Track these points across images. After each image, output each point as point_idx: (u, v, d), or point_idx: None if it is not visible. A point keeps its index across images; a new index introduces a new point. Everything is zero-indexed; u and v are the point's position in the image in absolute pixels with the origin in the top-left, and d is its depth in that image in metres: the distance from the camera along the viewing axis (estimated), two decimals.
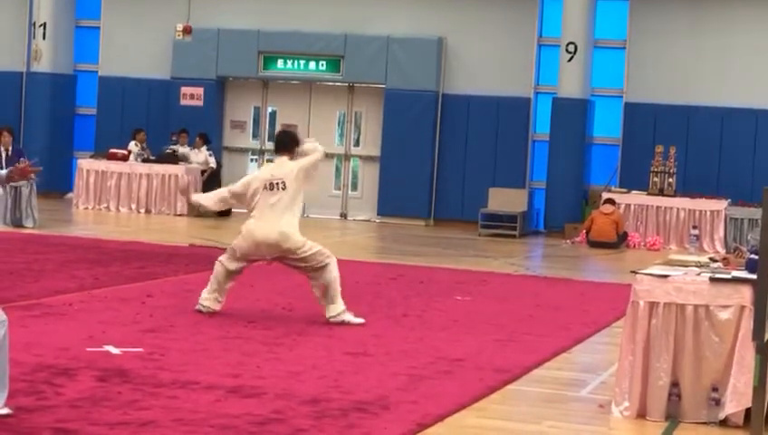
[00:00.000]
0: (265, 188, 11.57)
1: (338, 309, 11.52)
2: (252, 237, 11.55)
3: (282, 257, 11.68)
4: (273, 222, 11.51)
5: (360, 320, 11.54)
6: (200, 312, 11.61)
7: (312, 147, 11.92)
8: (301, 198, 11.81)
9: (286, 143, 11.86)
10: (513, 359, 10.16)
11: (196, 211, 23.56)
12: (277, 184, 11.56)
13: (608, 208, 21.81)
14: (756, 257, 7.92)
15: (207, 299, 11.73)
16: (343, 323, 11.41)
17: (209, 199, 12.32)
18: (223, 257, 11.82)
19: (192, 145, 24.72)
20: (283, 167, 11.68)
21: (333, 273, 11.60)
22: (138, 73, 25.96)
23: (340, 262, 16.07)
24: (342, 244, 20.85)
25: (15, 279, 13.25)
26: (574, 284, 16.28)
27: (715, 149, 23.45)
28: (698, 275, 8.32)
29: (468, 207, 24.19)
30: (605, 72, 24.35)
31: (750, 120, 23.21)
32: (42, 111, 25.89)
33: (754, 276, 7.82)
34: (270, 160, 11.85)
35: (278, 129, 12.45)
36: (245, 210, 11.85)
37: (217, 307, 11.71)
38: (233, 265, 11.73)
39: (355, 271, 15.82)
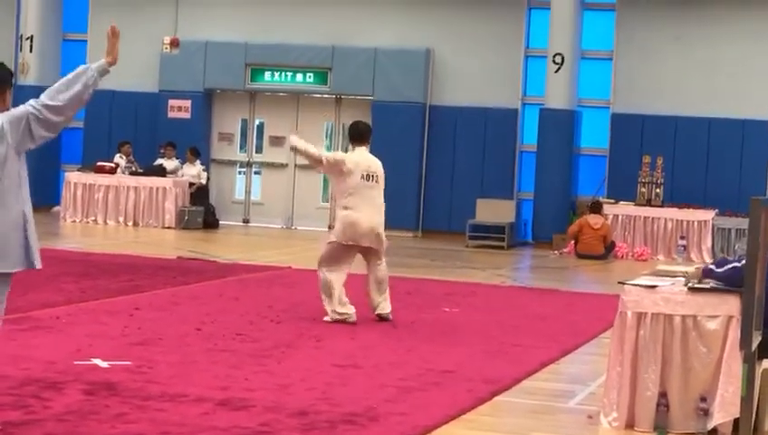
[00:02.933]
0: (362, 177, 12.20)
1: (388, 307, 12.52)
2: (354, 227, 12.15)
3: (368, 249, 12.35)
4: (371, 213, 12.24)
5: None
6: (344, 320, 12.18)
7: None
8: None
9: (368, 133, 12.56)
10: (501, 370, 10.16)
11: (184, 223, 23.61)
12: (373, 176, 12.24)
13: (596, 222, 21.72)
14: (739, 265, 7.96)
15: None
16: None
17: (308, 146, 12.50)
18: (325, 262, 12.27)
19: (183, 159, 24.69)
20: (374, 161, 12.37)
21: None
22: (125, 86, 25.92)
23: None
24: None
25: None
26: (562, 294, 16.29)
27: (702, 160, 23.49)
28: (686, 285, 8.34)
29: (456, 218, 24.19)
30: (592, 82, 24.39)
31: (737, 130, 23.25)
32: None
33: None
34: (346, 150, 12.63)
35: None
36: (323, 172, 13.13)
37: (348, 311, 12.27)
38: (332, 274, 12.25)
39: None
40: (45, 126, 6.81)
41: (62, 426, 7.42)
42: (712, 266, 8.32)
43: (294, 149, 12.61)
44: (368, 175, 12.29)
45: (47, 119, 6.79)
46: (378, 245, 12.36)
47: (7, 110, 6.88)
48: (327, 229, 25.00)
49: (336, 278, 12.30)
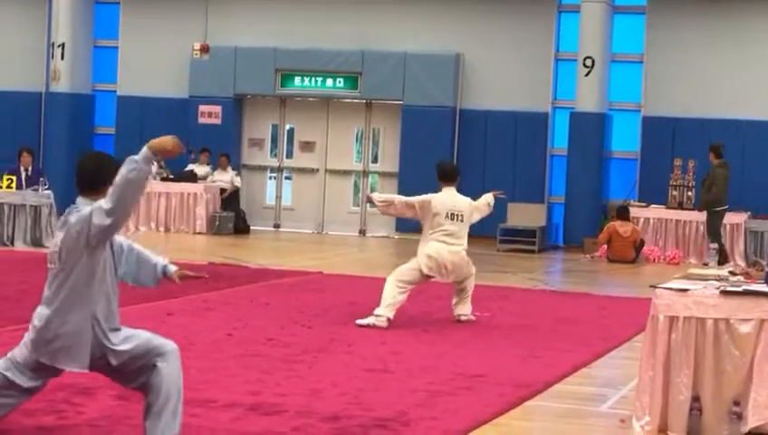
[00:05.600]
0: (447, 217, 12.75)
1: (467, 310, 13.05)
2: (438, 264, 12.63)
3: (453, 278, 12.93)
4: (455, 252, 12.74)
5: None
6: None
7: (487, 202, 13.47)
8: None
9: (456, 175, 13.15)
10: (533, 374, 10.14)
11: (215, 229, 23.69)
12: (457, 215, 12.78)
13: (626, 230, 21.55)
14: None
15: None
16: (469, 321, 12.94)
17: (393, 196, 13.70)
18: (402, 277, 12.69)
19: (215, 165, 24.77)
20: (460, 200, 12.96)
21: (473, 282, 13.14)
22: (156, 92, 26.04)
23: (359, 278, 16.12)
24: (361, 260, 20.86)
25: (35, 299, 13.24)
26: (594, 298, 16.24)
27: (735, 162, 23.28)
28: (718, 288, 8.29)
29: (487, 222, 23.92)
30: (622, 86, 24.33)
31: None
32: (61, 131, 25.98)
33: None
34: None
35: (442, 162, 14.05)
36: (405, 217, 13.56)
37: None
38: (408, 287, 12.67)
39: (374, 287, 15.78)
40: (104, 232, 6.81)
41: (95, 431, 7.46)
42: None
43: (380, 203, 13.19)
44: (452, 214, 12.82)
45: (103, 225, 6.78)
46: (464, 275, 12.97)
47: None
48: (358, 234, 25.09)
49: (402, 294, 12.62)
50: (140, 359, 6.83)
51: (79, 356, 6.79)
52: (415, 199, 13.01)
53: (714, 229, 20.91)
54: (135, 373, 6.88)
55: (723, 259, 20.55)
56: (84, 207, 6.87)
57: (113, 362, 6.83)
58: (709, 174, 20.91)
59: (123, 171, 6.66)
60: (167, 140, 6.75)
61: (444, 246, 12.71)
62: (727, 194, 20.87)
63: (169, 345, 6.93)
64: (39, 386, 7.10)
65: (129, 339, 6.88)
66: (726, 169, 20.91)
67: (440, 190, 13.03)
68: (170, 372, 6.85)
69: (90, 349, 6.80)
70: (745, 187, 23.13)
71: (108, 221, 6.70)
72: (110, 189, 6.74)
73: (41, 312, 6.90)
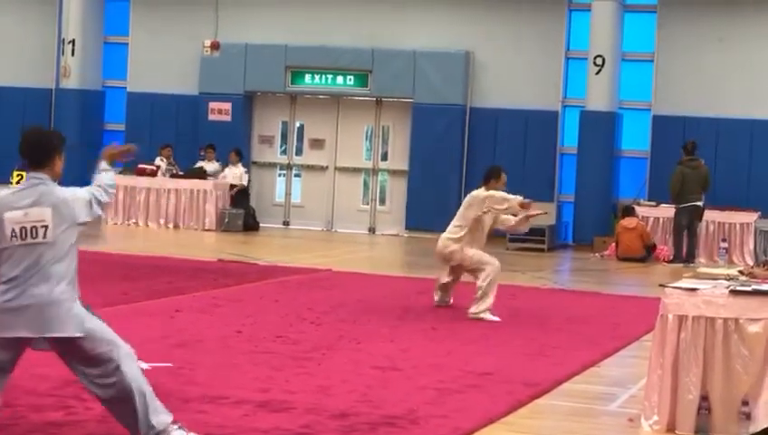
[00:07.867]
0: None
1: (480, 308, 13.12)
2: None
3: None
4: (442, 238, 13.77)
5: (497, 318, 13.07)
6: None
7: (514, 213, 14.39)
8: (468, 220, 13.80)
9: (487, 174, 14.34)
10: (541, 373, 10.14)
11: (225, 226, 23.69)
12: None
13: (631, 223, 21.62)
14: None
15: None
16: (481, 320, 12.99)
17: None
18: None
19: (225, 161, 24.75)
20: (470, 194, 14.10)
21: (491, 276, 13.28)
22: (166, 89, 26.05)
23: (368, 276, 16.15)
24: (371, 258, 20.87)
25: None
26: (603, 297, 16.23)
27: (745, 162, 23.34)
28: (728, 288, 8.28)
29: None
30: (633, 84, 24.29)
31: None
32: (71, 127, 25.91)
33: None
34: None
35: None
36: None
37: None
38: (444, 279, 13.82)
39: (383, 285, 15.82)
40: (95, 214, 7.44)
41: (104, 427, 7.46)
42: None
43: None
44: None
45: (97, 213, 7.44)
46: (450, 261, 13.57)
47: (57, 177, 7.27)
48: (367, 232, 25.12)
49: (439, 277, 13.91)
50: (99, 345, 6.91)
51: (73, 321, 6.90)
52: None
53: (673, 225, 21.31)
54: (95, 361, 6.88)
55: (688, 257, 20.85)
56: (53, 185, 7.22)
57: (80, 334, 6.89)
58: None
59: (114, 179, 7.60)
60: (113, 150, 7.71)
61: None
62: (690, 191, 21.09)
63: (125, 347, 7.05)
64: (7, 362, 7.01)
65: (91, 318, 7.07)
66: (691, 167, 21.32)
67: None
68: (132, 370, 6.97)
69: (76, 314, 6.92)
70: (756, 186, 23.11)
71: (103, 214, 7.55)
72: (106, 186, 7.50)
73: (15, 286, 6.81)
